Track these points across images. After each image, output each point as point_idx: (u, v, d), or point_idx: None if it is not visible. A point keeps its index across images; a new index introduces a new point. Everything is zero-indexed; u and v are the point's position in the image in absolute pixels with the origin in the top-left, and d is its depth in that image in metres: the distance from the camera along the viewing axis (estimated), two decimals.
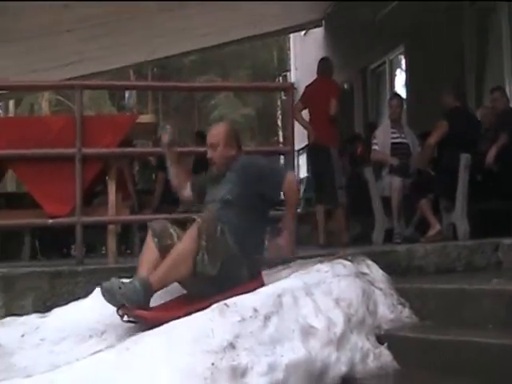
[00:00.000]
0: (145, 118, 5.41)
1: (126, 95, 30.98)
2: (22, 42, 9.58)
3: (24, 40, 9.47)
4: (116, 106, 29.99)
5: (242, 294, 3.57)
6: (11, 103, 26.59)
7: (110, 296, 3.81)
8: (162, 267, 3.90)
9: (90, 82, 9.41)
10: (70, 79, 10.36)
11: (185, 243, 3.89)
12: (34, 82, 8.78)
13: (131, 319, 3.86)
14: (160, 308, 3.97)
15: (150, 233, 4.12)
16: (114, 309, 4.07)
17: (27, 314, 4.37)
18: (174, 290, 4.13)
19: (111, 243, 5.17)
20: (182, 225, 4.19)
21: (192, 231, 3.88)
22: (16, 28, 8.80)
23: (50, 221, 5.08)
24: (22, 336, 4.05)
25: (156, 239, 4.07)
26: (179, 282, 4.06)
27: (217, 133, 4.44)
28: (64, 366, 3.18)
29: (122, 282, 3.84)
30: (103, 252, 7.89)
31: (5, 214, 5.53)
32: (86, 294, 4.41)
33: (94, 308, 4.25)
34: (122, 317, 3.85)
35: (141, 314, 3.78)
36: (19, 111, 27.08)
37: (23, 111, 27.16)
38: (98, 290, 4.47)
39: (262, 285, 3.98)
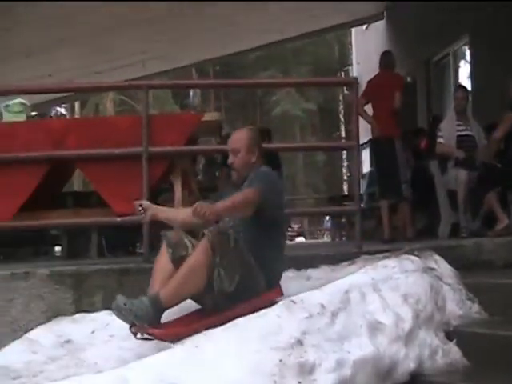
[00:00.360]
0: (210, 116, 5.42)
1: (191, 94, 31.30)
2: (87, 44, 9.77)
3: (88, 42, 9.65)
4: (179, 105, 30.30)
5: (259, 306, 3.51)
6: (77, 104, 27.15)
7: (119, 314, 3.70)
8: (173, 282, 3.76)
9: (155, 81, 9.52)
10: (134, 79, 10.52)
11: (196, 258, 3.73)
12: (101, 83, 8.91)
13: (146, 336, 3.73)
14: (173, 324, 3.86)
15: (164, 243, 3.99)
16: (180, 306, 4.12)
17: (97, 310, 4.46)
18: (188, 303, 3.98)
19: None
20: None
21: (203, 245, 3.73)
22: (80, 30, 8.97)
23: (118, 219, 5.16)
24: (92, 332, 4.14)
25: (170, 250, 3.93)
26: (192, 298, 3.91)
27: (239, 138, 4.26)
28: (134, 362, 3.24)
29: (130, 300, 3.71)
30: None
31: (73, 212, 5.63)
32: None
33: None
34: (135, 335, 3.73)
35: (152, 331, 3.67)
36: (85, 112, 27.62)
37: (89, 112, 27.68)
38: None
39: (281, 295, 3.92)
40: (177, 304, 3.81)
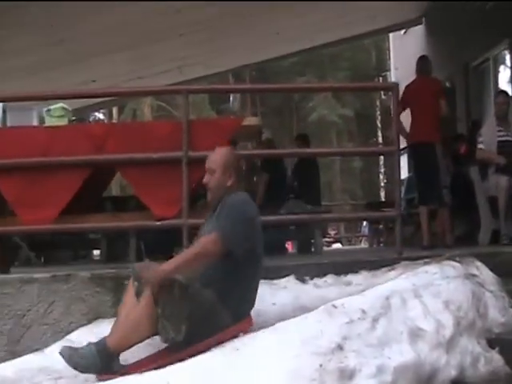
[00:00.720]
0: (249, 121, 5.42)
1: (231, 98, 31.39)
2: (127, 51, 9.88)
3: (128, 48, 9.75)
4: (215, 111, 30.42)
5: (225, 339, 3.43)
6: (115, 110, 27.43)
7: (69, 361, 3.65)
8: (119, 331, 3.71)
9: (194, 86, 9.57)
10: (171, 85, 10.60)
11: (140, 311, 3.63)
12: (141, 87, 9.02)
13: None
14: (139, 364, 3.77)
15: (131, 277, 3.86)
16: None
17: None
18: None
19: None
20: None
21: (146, 298, 3.60)
22: (123, 37, 9.07)
23: (158, 223, 5.19)
24: None
25: (136, 283, 3.77)
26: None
27: (216, 158, 4.04)
28: (177, 364, 3.26)
29: (76, 349, 3.68)
30: None
31: (112, 216, 5.66)
32: None
33: None
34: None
35: (108, 378, 3.56)
36: (122, 117, 27.88)
37: (126, 117, 27.93)
38: None
39: (250, 325, 3.78)
40: (127, 349, 3.74)
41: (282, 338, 3.23)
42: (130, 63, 10.62)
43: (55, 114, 5.43)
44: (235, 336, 3.45)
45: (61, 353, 3.67)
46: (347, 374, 3.10)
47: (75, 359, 3.63)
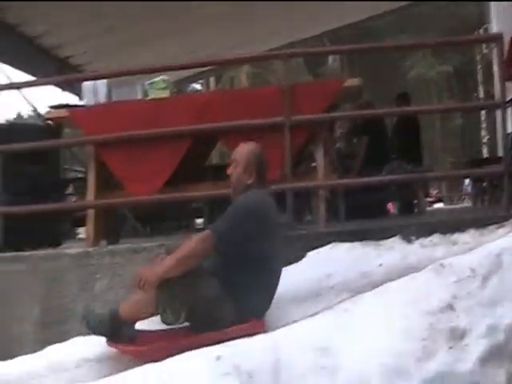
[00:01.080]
0: (350, 82, 5.34)
1: (330, 60, 31.06)
2: (223, 20, 9.92)
3: (224, 17, 9.80)
4: (311, 74, 30.23)
5: (231, 336, 3.30)
6: (212, 80, 27.68)
7: (83, 323, 3.78)
8: (131, 300, 3.79)
9: (295, 50, 9.52)
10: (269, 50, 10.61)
11: (142, 294, 3.64)
12: (241, 55, 9.02)
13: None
14: (144, 337, 3.81)
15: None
16: (325, 272, 4.15)
17: None
18: None
19: (321, 208, 5.23)
20: None
21: (150, 282, 3.57)
22: (221, 6, 9.11)
23: None
24: None
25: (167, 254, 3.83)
26: None
27: (241, 152, 4.03)
28: (282, 328, 3.30)
29: (94, 310, 3.81)
30: (308, 219, 8.05)
31: (214, 185, 5.68)
32: (297, 258, 4.57)
33: (308, 271, 4.39)
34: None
35: (115, 346, 3.71)
36: (220, 87, 28.10)
37: (223, 86, 28.16)
38: (310, 255, 4.62)
39: (259, 330, 3.55)
40: (135, 321, 3.80)
41: (389, 298, 3.23)
42: (228, 31, 10.67)
43: (158, 87, 5.54)
44: (240, 336, 3.28)
45: (82, 315, 3.84)
46: (458, 334, 3.06)
47: (89, 320, 3.76)
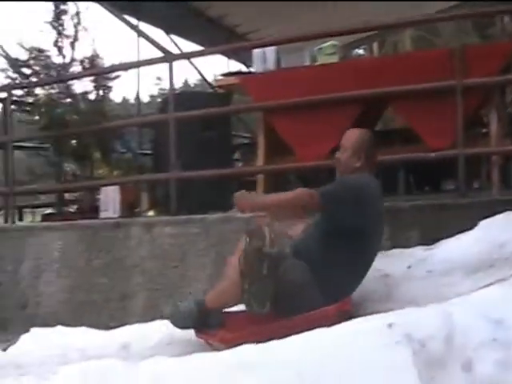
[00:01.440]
0: None
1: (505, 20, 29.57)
2: None
3: None
4: (479, 37, 28.95)
5: (317, 320, 3.18)
6: (375, 45, 27.23)
7: (171, 321, 3.81)
8: (217, 287, 3.84)
9: (463, 11, 9.15)
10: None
11: (229, 275, 3.70)
12: (408, 18, 8.83)
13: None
14: (233, 324, 3.76)
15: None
16: (499, 242, 4.01)
17: (413, 246, 4.50)
18: None
19: (495, 175, 5.04)
20: None
21: (233, 269, 3.61)
22: None
23: (433, 154, 5.10)
24: (409, 267, 4.19)
25: (247, 238, 3.66)
26: None
27: (349, 137, 4.03)
28: (455, 298, 3.21)
29: (178, 306, 3.80)
30: (477, 187, 7.79)
31: (381, 151, 5.64)
32: (471, 226, 4.37)
33: (480, 241, 4.23)
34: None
35: (205, 336, 3.73)
36: (383, 52, 27.59)
37: (387, 51, 27.61)
38: (482, 223, 4.45)
39: (346, 310, 3.53)
40: (222, 308, 3.82)
41: None
42: None
43: (326, 52, 5.55)
44: (326, 317, 3.26)
45: (170, 313, 3.86)
46: None
47: (174, 315, 3.80)
